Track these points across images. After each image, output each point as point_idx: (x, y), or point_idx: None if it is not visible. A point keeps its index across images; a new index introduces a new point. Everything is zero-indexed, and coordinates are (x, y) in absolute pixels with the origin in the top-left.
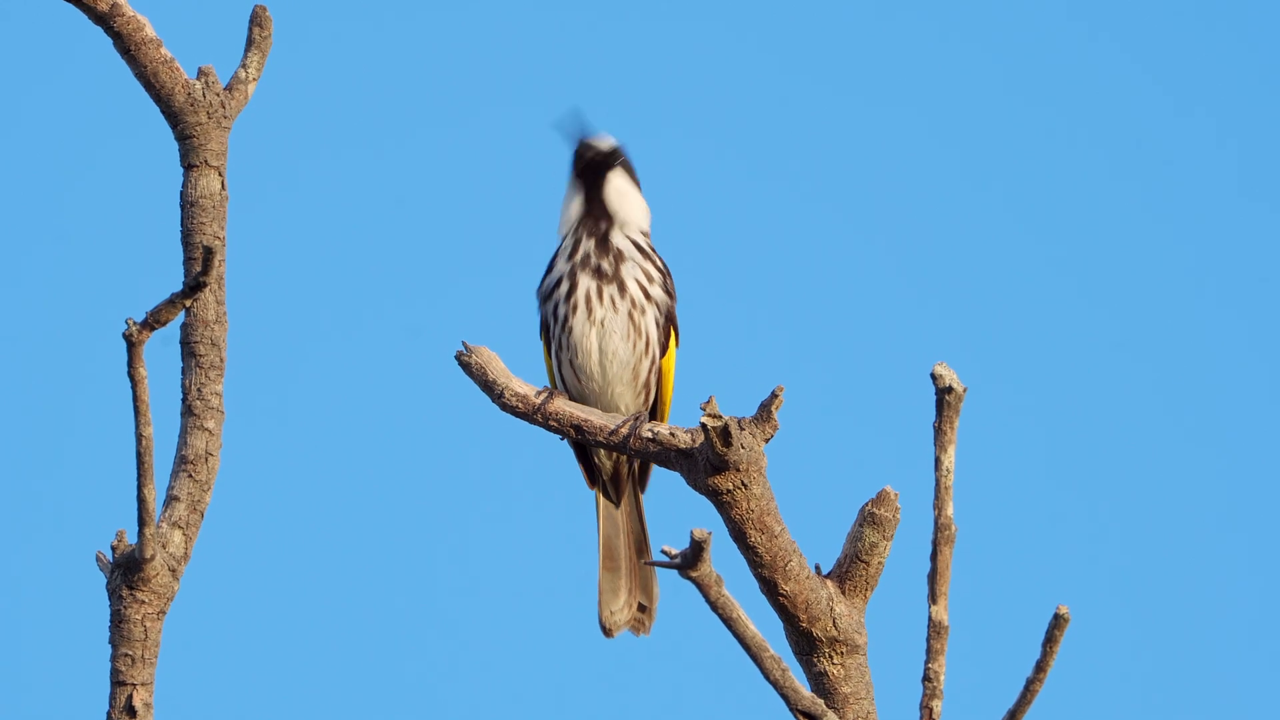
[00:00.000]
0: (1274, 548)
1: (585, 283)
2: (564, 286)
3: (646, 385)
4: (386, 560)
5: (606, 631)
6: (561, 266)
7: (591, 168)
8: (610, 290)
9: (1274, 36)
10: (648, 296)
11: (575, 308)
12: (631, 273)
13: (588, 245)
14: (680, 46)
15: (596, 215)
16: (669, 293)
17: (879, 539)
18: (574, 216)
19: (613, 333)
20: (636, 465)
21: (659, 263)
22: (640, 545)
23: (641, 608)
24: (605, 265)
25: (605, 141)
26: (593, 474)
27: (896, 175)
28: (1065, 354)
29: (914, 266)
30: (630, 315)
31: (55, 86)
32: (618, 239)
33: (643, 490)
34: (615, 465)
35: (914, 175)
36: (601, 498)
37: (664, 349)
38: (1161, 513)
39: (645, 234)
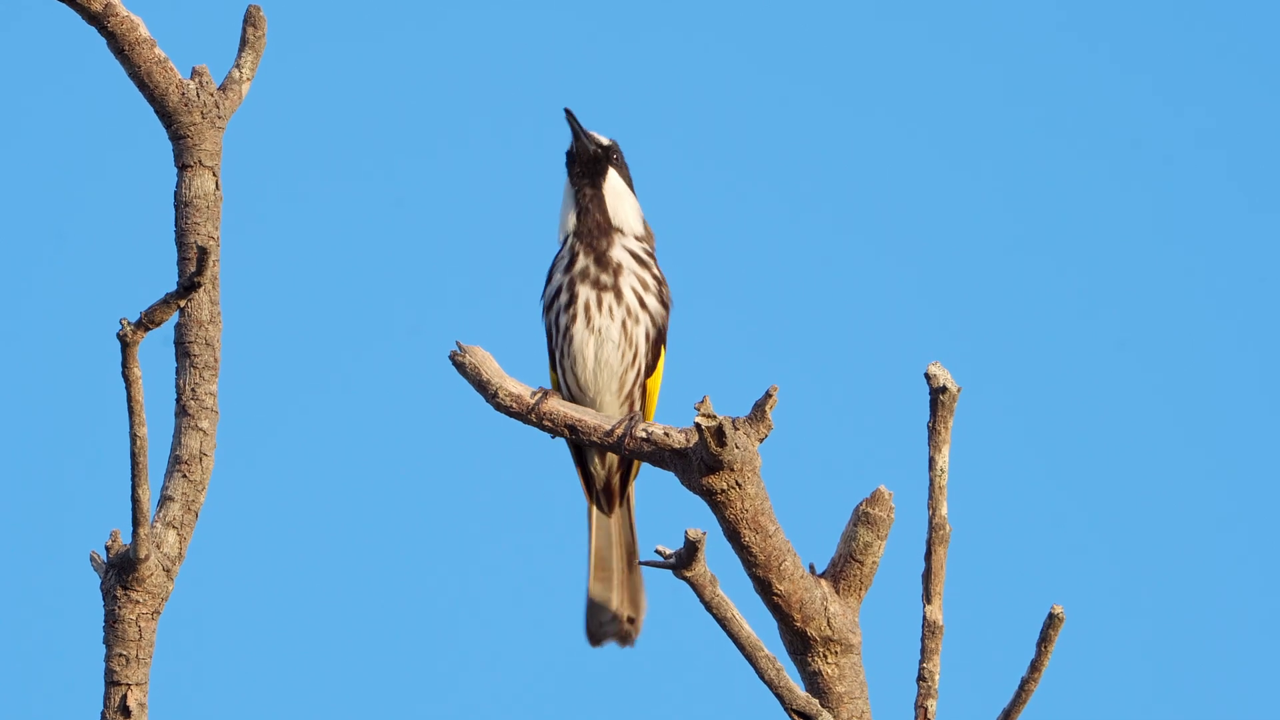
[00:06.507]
0: (1271, 547)
1: (585, 293)
2: (563, 297)
3: (630, 397)
4: (380, 561)
5: (594, 641)
6: (559, 278)
7: (589, 165)
8: (609, 299)
9: (1271, 37)
10: (643, 305)
11: (575, 317)
12: (629, 281)
13: (586, 260)
14: (674, 50)
15: (594, 216)
16: (664, 302)
17: (873, 538)
18: (573, 218)
19: (607, 341)
20: (618, 479)
21: (656, 271)
22: (631, 556)
23: (630, 620)
24: (604, 278)
25: (601, 138)
26: (590, 484)
27: (890, 175)
28: (1060, 354)
29: (908, 266)
30: (624, 324)
31: (49, 87)
32: (616, 252)
33: (623, 505)
34: (607, 476)
35: (908, 175)
36: (594, 509)
37: (650, 369)
38: (1157, 512)
39: (640, 237)
